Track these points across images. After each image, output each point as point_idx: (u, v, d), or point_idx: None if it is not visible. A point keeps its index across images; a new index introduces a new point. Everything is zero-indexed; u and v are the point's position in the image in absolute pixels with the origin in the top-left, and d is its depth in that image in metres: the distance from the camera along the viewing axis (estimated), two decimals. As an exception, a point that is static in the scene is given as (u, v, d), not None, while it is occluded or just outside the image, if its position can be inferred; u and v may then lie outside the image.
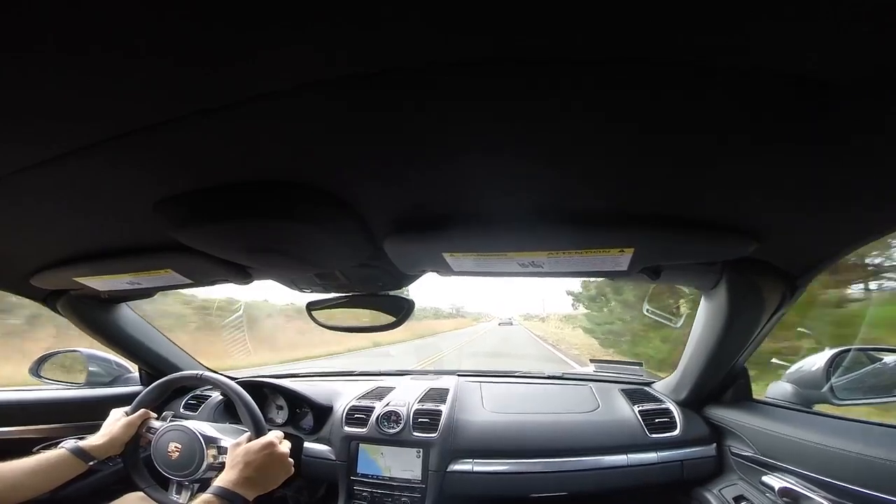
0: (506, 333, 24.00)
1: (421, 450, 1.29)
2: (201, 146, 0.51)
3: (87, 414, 1.36)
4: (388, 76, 0.38)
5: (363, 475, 1.31)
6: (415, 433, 1.31)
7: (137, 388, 1.54)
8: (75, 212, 0.70)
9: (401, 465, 1.30)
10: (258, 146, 0.51)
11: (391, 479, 1.29)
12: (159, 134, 0.47)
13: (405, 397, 1.44)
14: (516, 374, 1.78)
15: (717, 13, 0.31)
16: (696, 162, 0.51)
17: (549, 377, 1.71)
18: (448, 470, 1.24)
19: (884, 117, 0.41)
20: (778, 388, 1.10)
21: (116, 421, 1.13)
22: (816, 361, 1.03)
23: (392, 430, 1.32)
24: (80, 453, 1.02)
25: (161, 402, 1.26)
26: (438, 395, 1.46)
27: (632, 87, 0.39)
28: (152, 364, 1.54)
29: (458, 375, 1.70)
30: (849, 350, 1.04)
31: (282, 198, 0.60)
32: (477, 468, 1.23)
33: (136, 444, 1.14)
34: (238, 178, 0.58)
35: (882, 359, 1.07)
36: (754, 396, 1.17)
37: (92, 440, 1.07)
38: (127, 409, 1.16)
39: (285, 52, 0.36)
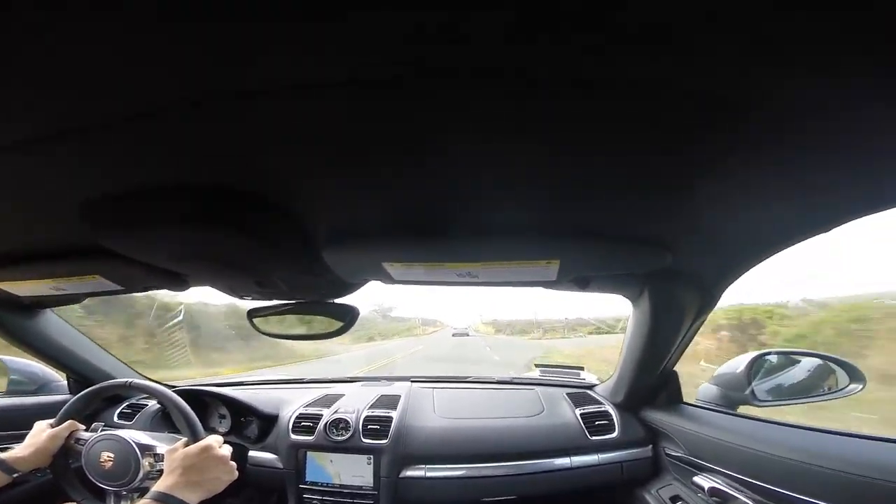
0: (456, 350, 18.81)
1: (371, 456, 1.28)
2: (131, 149, 0.49)
3: (9, 424, 1.27)
4: (324, 87, 0.38)
5: (312, 483, 1.29)
6: (364, 440, 1.30)
7: (65, 396, 1.45)
8: None
9: (351, 472, 1.28)
10: (191, 151, 0.49)
11: (342, 486, 1.28)
12: (90, 135, 0.45)
13: (355, 404, 1.43)
14: (468, 380, 1.80)
15: (623, 35, 0.32)
16: (611, 181, 0.53)
17: (498, 382, 1.74)
18: (400, 476, 1.24)
19: (783, 137, 0.44)
20: (706, 391, 1.16)
21: (41, 432, 1.06)
22: (739, 364, 1.10)
23: (340, 438, 1.31)
24: (1, 465, 0.96)
25: (91, 411, 1.20)
26: (389, 401, 1.45)
27: (552, 106, 0.40)
28: (80, 372, 1.45)
29: (412, 382, 1.70)
30: (768, 353, 1.12)
31: (215, 204, 0.58)
32: (430, 474, 1.24)
33: (65, 455, 1.08)
34: (169, 182, 0.56)
35: (799, 361, 1.16)
36: (685, 399, 1.23)
37: (15, 452, 1.01)
38: (52, 421, 1.09)
39: (218, 59, 0.35)
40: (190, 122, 0.44)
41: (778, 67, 0.34)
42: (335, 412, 1.38)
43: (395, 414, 1.36)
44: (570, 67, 0.35)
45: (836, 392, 1.05)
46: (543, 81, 0.37)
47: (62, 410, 1.11)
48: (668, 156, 0.48)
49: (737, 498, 0.90)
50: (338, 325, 1.06)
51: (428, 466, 1.25)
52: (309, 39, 0.33)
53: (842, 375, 1.05)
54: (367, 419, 1.35)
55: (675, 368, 1.21)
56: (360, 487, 1.26)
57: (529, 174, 0.52)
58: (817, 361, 1.14)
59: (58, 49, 0.33)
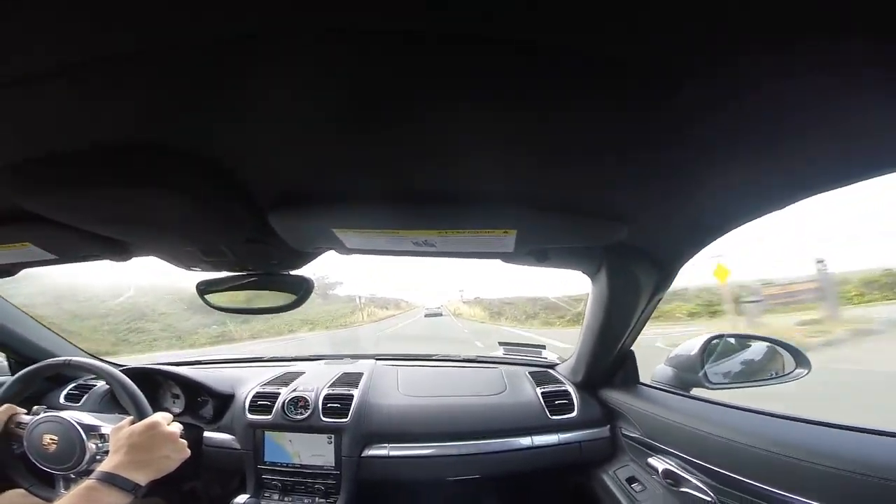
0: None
1: (332, 436, 1.27)
2: (51, 108, 0.45)
3: None
4: (269, 38, 0.35)
5: (271, 463, 1.28)
6: (324, 419, 1.28)
7: (4, 378, 1.36)
8: None
9: (311, 451, 1.27)
10: (116, 108, 0.46)
11: (302, 466, 1.26)
12: (8, 91, 0.41)
13: (315, 382, 1.40)
14: (434, 358, 1.80)
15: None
16: (569, 151, 0.52)
17: (464, 360, 1.75)
18: (362, 455, 1.23)
19: (726, 105, 0.42)
20: (661, 372, 1.18)
21: None
22: (693, 346, 1.12)
23: (299, 416, 1.29)
24: None
25: (31, 393, 1.15)
26: (351, 379, 1.43)
27: (500, 70, 0.38)
28: (20, 352, 1.38)
29: (376, 359, 1.68)
30: (721, 336, 1.14)
31: (147, 163, 0.54)
32: (393, 453, 1.24)
33: (6, 440, 1.05)
34: (95, 142, 0.52)
35: (750, 345, 1.19)
36: (641, 380, 1.25)
37: None
38: None
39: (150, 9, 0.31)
40: (103, 78, 0.40)
41: (733, 35, 0.33)
42: (293, 391, 1.35)
43: (356, 392, 1.35)
44: (528, 33, 0.33)
45: (782, 376, 1.08)
46: (506, 48, 0.35)
47: None
48: (624, 127, 0.46)
49: (689, 480, 0.92)
50: (292, 297, 1.03)
51: (391, 445, 1.25)
52: None
53: (788, 360, 1.08)
54: (327, 397, 1.33)
55: (631, 348, 1.22)
56: (322, 467, 1.25)
57: (487, 141, 0.50)
58: (766, 345, 1.17)
59: None
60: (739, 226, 0.73)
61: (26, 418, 1.06)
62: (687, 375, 1.11)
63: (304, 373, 1.50)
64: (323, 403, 1.31)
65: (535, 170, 0.57)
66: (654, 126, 0.46)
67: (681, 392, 1.12)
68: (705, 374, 1.09)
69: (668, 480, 0.97)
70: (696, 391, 1.12)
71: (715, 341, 1.12)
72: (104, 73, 0.39)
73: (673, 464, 0.98)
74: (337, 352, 1.84)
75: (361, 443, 1.25)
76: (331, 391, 1.35)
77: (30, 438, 1.01)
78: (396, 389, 1.43)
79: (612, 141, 0.49)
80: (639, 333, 1.15)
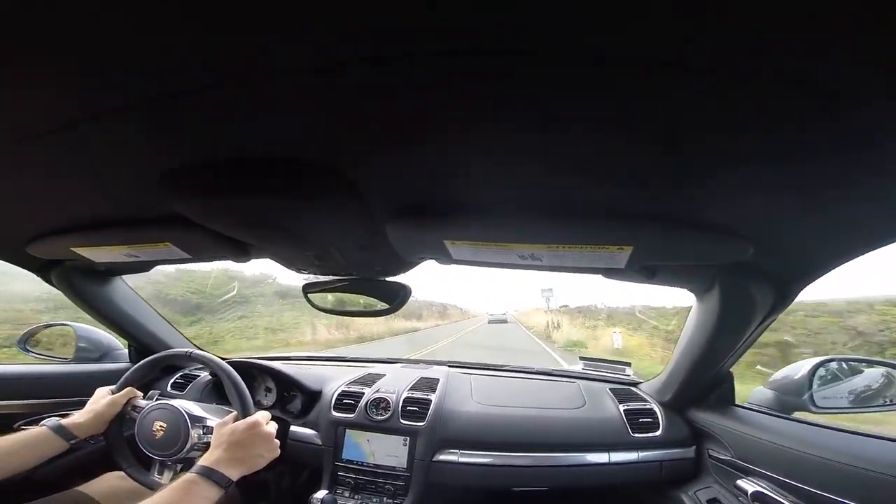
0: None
1: (408, 438, 1.30)
2: (210, 120, 0.51)
3: (74, 390, 1.35)
4: (395, 62, 0.38)
5: (348, 461, 1.32)
6: (403, 421, 1.31)
7: (126, 364, 1.53)
8: (80, 180, 0.70)
9: (386, 452, 1.31)
10: (266, 122, 0.51)
11: (375, 465, 1.30)
12: (168, 105, 0.47)
13: (395, 385, 1.45)
14: (506, 368, 1.79)
15: (724, 19, 0.31)
16: (697, 165, 0.51)
17: (538, 373, 1.73)
18: (434, 459, 1.25)
19: (884, 127, 0.41)
20: (760, 395, 1.13)
21: (101, 399, 1.10)
22: (800, 369, 1.05)
23: (380, 417, 1.33)
24: (61, 431, 0.99)
25: (148, 380, 1.25)
26: (429, 384, 1.47)
27: (633, 88, 0.39)
28: (142, 341, 1.53)
29: (449, 366, 1.71)
30: (832, 360, 1.06)
31: (286, 174, 0.61)
32: (462, 459, 1.24)
33: (119, 422, 1.12)
34: (244, 153, 0.58)
35: (862, 371, 1.10)
36: (737, 402, 1.19)
37: (75, 418, 1.04)
38: (112, 387, 1.14)
39: (293, 34, 0.36)
40: (255, 97, 0.45)
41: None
42: (376, 391, 1.41)
43: (433, 397, 1.38)
44: (640, 47, 0.34)
45: (896, 404, 1.00)
46: (618, 60, 0.36)
47: (123, 377, 1.16)
48: (757, 141, 0.46)
49: (780, 502, 0.87)
50: (388, 303, 1.07)
51: (462, 451, 1.26)
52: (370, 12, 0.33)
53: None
54: (407, 400, 1.37)
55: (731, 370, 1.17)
56: (394, 468, 1.28)
57: (604, 156, 0.51)
58: (882, 370, 1.08)
59: (129, 27, 0.35)
60: (877, 248, 0.68)
61: (142, 403, 1.13)
62: (790, 399, 1.05)
63: (384, 375, 1.55)
64: (403, 406, 1.35)
65: (657, 184, 0.56)
66: (810, 141, 0.45)
67: (782, 415, 1.05)
68: (811, 397, 1.02)
69: (757, 503, 0.93)
70: (798, 415, 1.05)
71: (826, 365, 1.04)
72: (255, 91, 0.44)
73: (765, 486, 0.93)
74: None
75: (435, 447, 1.27)
76: (410, 394, 1.39)
77: (142, 423, 1.07)
78: (471, 397, 1.44)
79: (747, 153, 0.48)
80: (742, 355, 1.09)
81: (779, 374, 1.10)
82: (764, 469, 0.95)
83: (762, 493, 0.92)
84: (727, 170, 0.52)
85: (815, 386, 1.02)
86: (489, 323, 26.73)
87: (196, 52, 0.39)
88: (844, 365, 1.08)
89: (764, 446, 0.97)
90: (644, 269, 0.85)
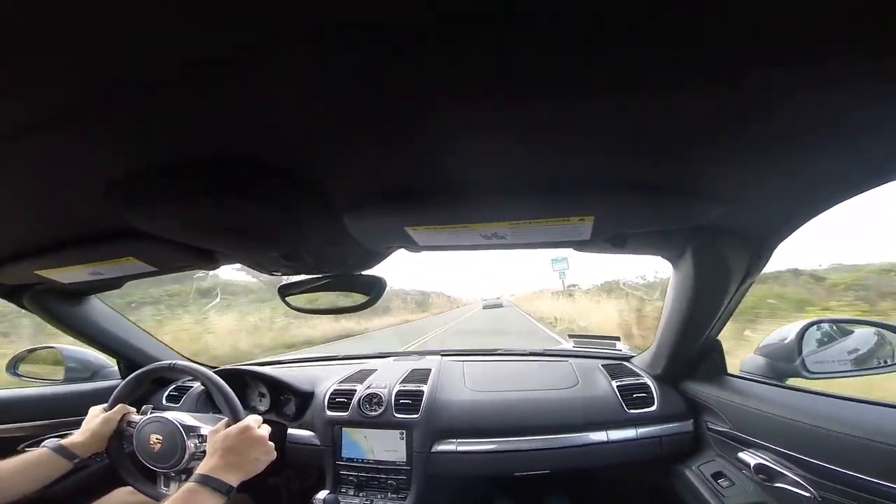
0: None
1: (404, 431, 1.30)
2: (150, 120, 0.48)
3: (69, 410, 1.35)
4: (345, 41, 0.36)
5: (348, 459, 1.33)
6: (397, 414, 1.32)
7: (117, 381, 1.53)
8: (26, 198, 0.68)
9: (384, 446, 1.31)
10: (204, 121, 0.49)
11: (376, 461, 1.30)
12: (103, 106, 0.45)
13: (386, 379, 1.45)
14: (498, 352, 1.79)
15: None
16: (651, 126, 0.49)
17: (530, 354, 1.72)
18: (432, 451, 1.25)
19: (847, 76, 0.39)
20: (751, 362, 1.11)
21: (95, 417, 1.12)
22: (787, 334, 1.03)
23: (374, 413, 1.33)
24: (62, 451, 1.01)
25: (140, 395, 1.26)
26: (420, 375, 1.47)
27: (592, 53, 0.37)
28: (128, 356, 1.52)
29: (442, 355, 1.71)
30: (820, 322, 1.04)
31: (236, 175, 0.59)
32: (461, 448, 1.24)
33: (119, 439, 1.14)
34: (190, 155, 0.56)
35: (852, 331, 1.08)
36: (728, 370, 1.18)
37: (73, 438, 1.06)
38: (105, 406, 1.16)
39: (237, 16, 0.33)
40: (199, 90, 0.43)
41: None
42: (368, 387, 1.40)
43: (426, 388, 1.37)
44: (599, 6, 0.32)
45: (892, 365, 0.98)
46: (575, 23, 0.34)
47: (113, 395, 1.17)
48: (717, 96, 0.43)
49: (785, 475, 0.86)
50: (365, 297, 1.07)
51: (459, 441, 1.26)
52: None
53: (899, 346, 0.97)
54: (399, 394, 1.37)
55: (718, 337, 1.15)
56: (394, 462, 1.29)
57: (559, 121, 0.48)
58: (873, 331, 1.06)
59: (60, 22, 0.32)
60: (845, 199, 0.66)
61: (136, 417, 1.14)
62: (781, 365, 1.03)
63: (376, 370, 1.55)
64: (395, 399, 1.35)
65: (613, 150, 0.54)
66: (752, 97, 0.43)
67: (775, 382, 1.03)
68: (803, 362, 1.00)
69: (761, 476, 0.91)
70: (792, 382, 1.03)
71: (813, 328, 1.02)
72: (200, 84, 0.41)
73: (767, 458, 0.92)
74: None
75: (431, 438, 1.27)
76: (402, 387, 1.39)
77: (138, 437, 1.08)
78: (463, 385, 1.44)
79: (706, 110, 0.45)
80: (726, 321, 1.08)
81: (768, 340, 1.08)
82: (762, 441, 0.94)
83: (765, 465, 0.91)
84: (684, 130, 0.49)
85: (805, 350, 1.00)
86: (483, 308, 26.44)
87: (120, 52, 0.36)
88: (834, 327, 1.06)
89: (760, 417, 0.96)
90: (613, 239, 0.83)
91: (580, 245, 0.85)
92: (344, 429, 1.35)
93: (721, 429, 1.09)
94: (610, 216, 0.70)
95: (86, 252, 0.89)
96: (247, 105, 0.46)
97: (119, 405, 1.15)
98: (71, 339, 1.43)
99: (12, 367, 1.50)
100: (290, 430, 1.41)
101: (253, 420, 1.01)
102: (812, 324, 1.03)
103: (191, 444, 1.06)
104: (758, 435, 0.96)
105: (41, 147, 0.52)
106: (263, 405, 1.50)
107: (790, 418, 0.88)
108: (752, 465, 0.94)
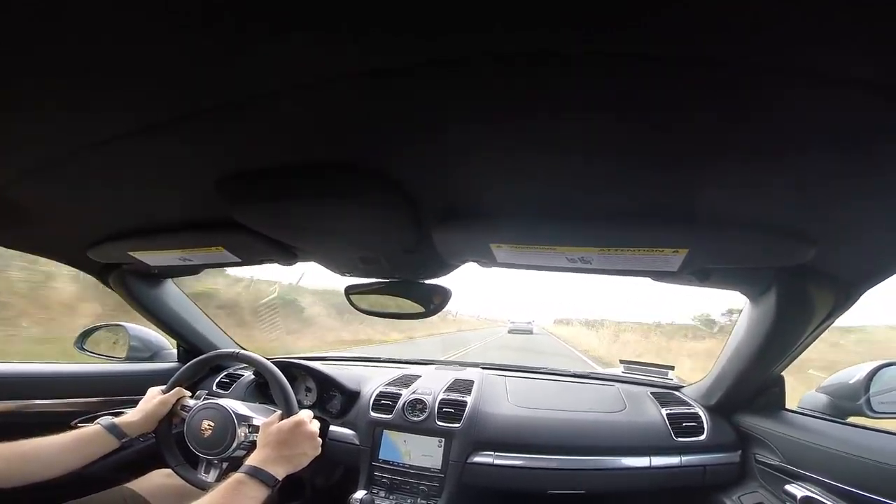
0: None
1: (443, 439, 1.30)
2: (263, 128, 0.53)
3: (127, 388, 1.40)
4: (442, 65, 0.39)
5: (384, 461, 1.33)
6: (439, 422, 1.32)
7: (174, 364, 1.59)
8: (139, 188, 0.74)
9: (421, 452, 1.31)
10: (315, 128, 0.53)
11: (411, 466, 1.30)
12: (223, 117, 0.50)
13: (431, 386, 1.46)
14: (541, 371, 1.78)
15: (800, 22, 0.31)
16: (758, 162, 0.50)
17: (574, 375, 1.71)
18: (468, 461, 1.25)
19: None
20: (812, 399, 1.09)
21: (152, 399, 1.14)
22: (856, 373, 1.01)
23: (417, 418, 1.34)
24: (114, 430, 1.03)
25: (196, 380, 1.29)
26: (464, 385, 1.47)
27: (686, 86, 0.39)
28: (190, 341, 1.58)
29: (483, 368, 1.71)
30: (892, 363, 1.02)
31: (336, 179, 0.62)
32: (497, 461, 1.24)
33: (169, 421, 1.16)
34: (297, 159, 0.60)
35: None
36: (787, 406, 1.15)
37: (127, 417, 1.08)
38: (163, 387, 1.18)
39: (342, 39, 0.37)
40: (311, 104, 0.47)
41: None
42: (413, 392, 1.42)
43: (469, 399, 1.38)
44: (696, 46, 0.34)
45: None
46: (668, 59, 0.36)
47: (174, 377, 1.19)
48: (820, 138, 0.44)
49: None
50: (428, 305, 1.08)
51: (497, 454, 1.25)
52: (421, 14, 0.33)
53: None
54: (443, 402, 1.37)
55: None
56: (429, 469, 1.29)
57: (658, 153, 0.49)
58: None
59: (179, 41, 0.37)
60: None
61: (190, 402, 1.17)
62: (845, 403, 1.01)
63: (420, 376, 1.56)
64: (439, 407, 1.36)
65: (718, 182, 0.54)
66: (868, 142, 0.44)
67: (835, 419, 1.01)
68: (868, 401, 0.98)
69: None
70: (854, 420, 1.00)
71: (885, 368, 1.00)
72: (305, 99, 0.45)
73: (815, 491, 0.90)
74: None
75: (469, 448, 1.27)
76: (446, 396, 1.40)
77: (190, 423, 1.09)
78: (506, 399, 1.44)
79: (809, 146, 0.46)
80: (795, 359, 1.06)
81: (832, 378, 1.07)
82: (814, 473, 0.92)
83: (812, 497, 0.89)
84: (789, 168, 0.50)
85: (872, 389, 0.98)
86: (509, 332, 22.51)
87: (247, 65, 0.41)
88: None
89: (816, 450, 0.94)
90: (698, 273, 0.82)
91: (662, 276, 0.84)
92: (385, 431, 1.36)
93: (771, 461, 1.07)
94: (705, 251, 0.69)
95: (181, 238, 0.94)
96: (345, 116, 0.49)
97: (177, 388, 1.18)
98: (140, 319, 1.51)
99: (80, 341, 1.57)
100: (332, 427, 1.43)
101: (306, 415, 1.02)
102: (886, 365, 1.01)
103: (240, 432, 1.07)
104: (810, 468, 0.94)
105: (164, 144, 0.57)
106: (309, 400, 1.53)
107: (847, 452, 0.86)
108: (798, 496, 0.92)
